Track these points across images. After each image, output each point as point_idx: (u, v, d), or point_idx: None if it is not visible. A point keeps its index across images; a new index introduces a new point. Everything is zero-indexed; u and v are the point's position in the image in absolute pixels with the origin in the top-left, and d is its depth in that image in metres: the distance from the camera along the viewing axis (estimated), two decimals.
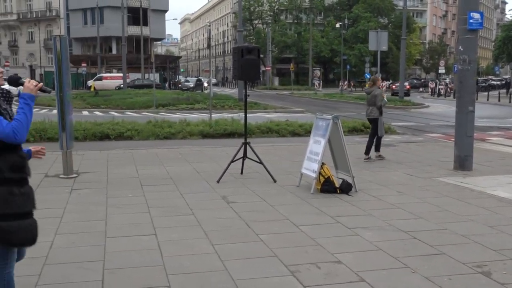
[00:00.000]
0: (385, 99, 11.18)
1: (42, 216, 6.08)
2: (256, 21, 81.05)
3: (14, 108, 3.23)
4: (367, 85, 11.43)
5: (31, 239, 3.25)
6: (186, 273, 4.55)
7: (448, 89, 47.89)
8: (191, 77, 79.96)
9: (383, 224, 6.14)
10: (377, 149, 11.10)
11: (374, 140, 11.05)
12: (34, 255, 4.90)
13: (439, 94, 47.96)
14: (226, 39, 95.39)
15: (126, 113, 25.26)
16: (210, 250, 5.17)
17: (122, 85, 46.16)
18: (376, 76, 11.41)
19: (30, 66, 76.03)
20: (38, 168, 9.77)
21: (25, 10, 77.20)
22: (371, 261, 4.87)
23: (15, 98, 3.26)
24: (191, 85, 53.24)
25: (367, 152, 10.98)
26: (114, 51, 66.97)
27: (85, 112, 25.62)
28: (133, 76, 53.47)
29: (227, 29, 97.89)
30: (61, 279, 4.35)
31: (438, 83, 50.98)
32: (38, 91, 3.30)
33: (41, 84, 3.33)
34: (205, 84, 51.85)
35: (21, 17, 77.08)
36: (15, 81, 3.38)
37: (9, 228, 3.10)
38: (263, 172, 8.91)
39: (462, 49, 9.88)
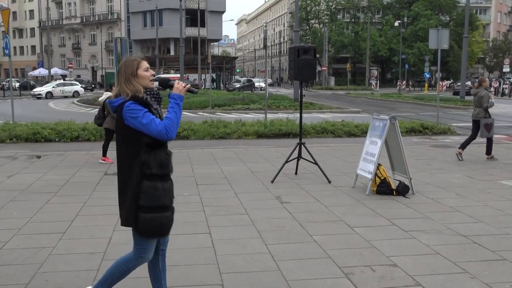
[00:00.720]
0: (492, 100, 10.94)
1: (101, 213, 6.29)
2: (313, 21, 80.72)
3: None
4: (474, 86, 11.41)
5: (166, 231, 3.47)
6: (239, 272, 4.58)
7: None
8: (247, 77, 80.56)
9: (441, 227, 5.97)
10: (488, 152, 11.05)
11: (471, 140, 11.16)
12: (93, 251, 5.08)
13: (503, 94, 46.11)
14: (282, 39, 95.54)
15: (183, 113, 25.67)
16: (263, 250, 5.18)
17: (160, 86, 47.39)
18: (483, 77, 11.22)
19: (92, 68, 78.98)
20: (98, 167, 10.11)
21: (88, 13, 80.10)
22: (428, 265, 4.74)
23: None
24: (237, 85, 53.21)
25: (462, 147, 11.11)
26: (172, 53, 68.43)
27: None
28: (191, 77, 54.34)
29: (284, 29, 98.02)
30: None
31: (502, 82, 48.98)
32: (186, 92, 3.51)
33: (189, 85, 3.53)
34: (262, 84, 51.85)
35: (84, 20, 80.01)
36: (165, 83, 3.57)
37: (151, 220, 3.33)
38: (317, 173, 8.85)
39: None
